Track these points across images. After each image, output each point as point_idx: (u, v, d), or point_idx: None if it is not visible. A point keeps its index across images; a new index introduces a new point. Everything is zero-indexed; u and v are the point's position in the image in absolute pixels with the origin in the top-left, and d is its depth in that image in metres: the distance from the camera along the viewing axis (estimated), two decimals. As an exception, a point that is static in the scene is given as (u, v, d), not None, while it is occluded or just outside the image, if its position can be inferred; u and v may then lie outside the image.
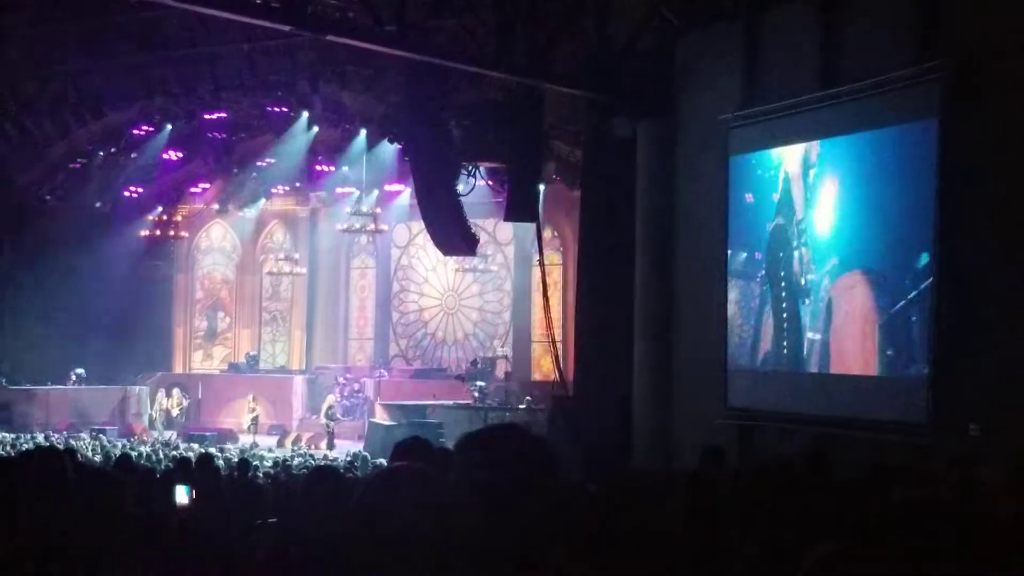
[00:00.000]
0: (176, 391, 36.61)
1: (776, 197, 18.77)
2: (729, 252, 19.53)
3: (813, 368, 17.97)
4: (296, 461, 23.80)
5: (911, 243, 15.91)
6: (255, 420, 34.88)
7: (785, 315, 18.46)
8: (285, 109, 32.45)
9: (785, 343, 18.50)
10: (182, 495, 9.75)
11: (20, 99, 29.46)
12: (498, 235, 37.07)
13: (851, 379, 17.15)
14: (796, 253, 18.22)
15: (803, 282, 18.08)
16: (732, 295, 19.51)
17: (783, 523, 7.89)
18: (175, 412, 36.09)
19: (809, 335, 17.95)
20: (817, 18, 17.91)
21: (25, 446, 24.62)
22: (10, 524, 5.58)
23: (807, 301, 17.97)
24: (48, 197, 36.05)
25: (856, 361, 17.07)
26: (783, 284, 18.51)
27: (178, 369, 40.55)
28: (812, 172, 17.99)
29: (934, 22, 15.92)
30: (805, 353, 18.08)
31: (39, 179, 35.25)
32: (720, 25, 19.96)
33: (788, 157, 18.49)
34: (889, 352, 16.41)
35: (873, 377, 16.69)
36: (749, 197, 19.29)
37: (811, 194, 17.97)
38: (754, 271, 19.22)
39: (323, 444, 32.23)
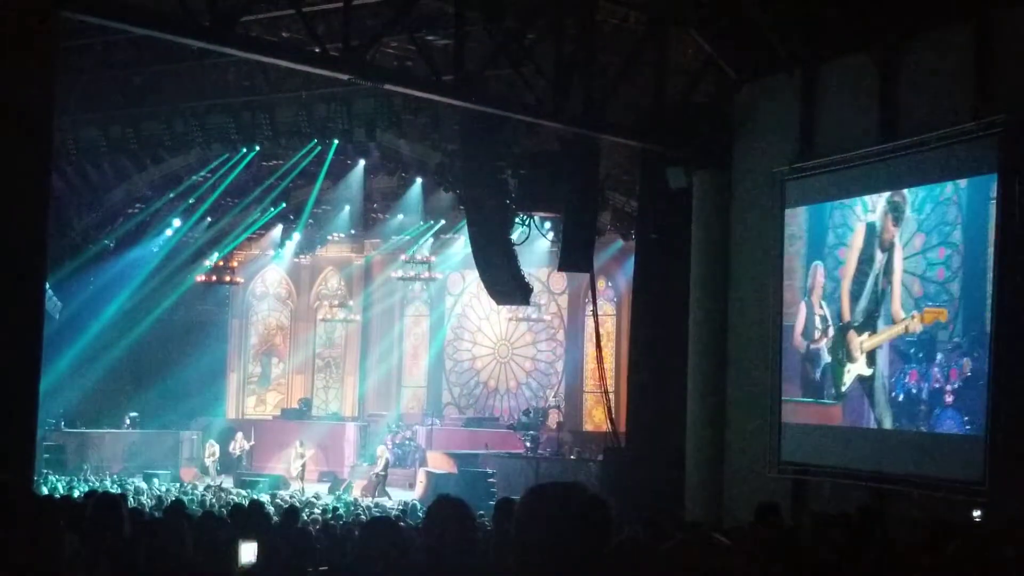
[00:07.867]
0: (239, 435, 36.50)
1: (833, 251, 18.66)
2: (785, 306, 19.41)
3: (869, 424, 17.79)
4: (343, 509, 23.74)
5: (970, 298, 15.77)
6: (304, 466, 34.67)
7: (841, 370, 18.31)
8: (341, 156, 32.61)
9: (840, 399, 18.33)
10: (248, 553, 9.27)
11: (80, 144, 29.80)
12: (552, 285, 37.08)
13: (908, 435, 16.96)
14: (852, 308, 18.09)
15: (859, 338, 17.93)
16: (787, 349, 19.38)
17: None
18: (237, 454, 35.95)
19: (865, 391, 17.79)
20: (875, 71, 17.83)
21: (78, 491, 24.78)
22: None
23: (864, 357, 17.82)
24: (106, 242, 36.38)
25: (913, 417, 16.89)
26: (839, 339, 18.37)
27: (231, 414, 40.68)
28: (869, 226, 17.88)
29: (993, 75, 15.83)
30: (860, 409, 17.91)
31: (98, 224, 35.59)
32: (777, 77, 19.92)
33: (845, 210, 18.39)
34: (947, 409, 16.23)
35: (930, 433, 16.50)
36: (805, 250, 19.19)
37: (869, 249, 17.84)
38: (810, 326, 19.08)
39: (374, 492, 32.10)
